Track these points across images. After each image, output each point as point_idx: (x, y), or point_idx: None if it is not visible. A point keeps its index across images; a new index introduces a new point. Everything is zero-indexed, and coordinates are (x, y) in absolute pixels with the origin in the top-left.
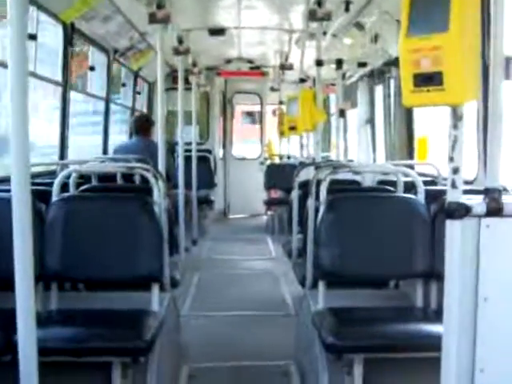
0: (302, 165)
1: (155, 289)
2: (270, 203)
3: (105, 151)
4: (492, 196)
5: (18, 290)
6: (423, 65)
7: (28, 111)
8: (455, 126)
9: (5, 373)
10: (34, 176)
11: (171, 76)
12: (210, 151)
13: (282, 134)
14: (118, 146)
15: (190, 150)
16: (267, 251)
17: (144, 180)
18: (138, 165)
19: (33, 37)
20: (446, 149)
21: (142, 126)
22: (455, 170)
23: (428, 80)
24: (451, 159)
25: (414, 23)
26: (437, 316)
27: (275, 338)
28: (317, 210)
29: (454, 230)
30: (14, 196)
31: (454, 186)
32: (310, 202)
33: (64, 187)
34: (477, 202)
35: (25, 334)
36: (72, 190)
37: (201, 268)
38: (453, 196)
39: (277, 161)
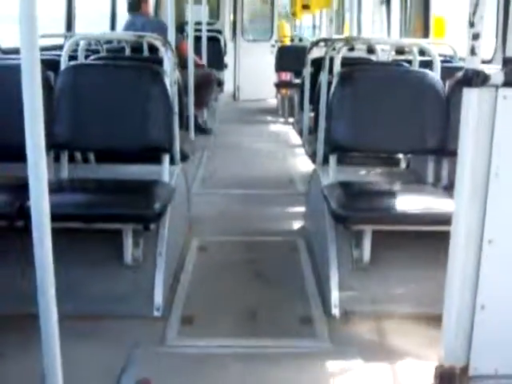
0: (315, 43)
1: (165, 160)
2: (280, 85)
3: (112, 27)
4: (511, 66)
5: (30, 159)
6: None
7: None
8: None
9: (18, 238)
10: (43, 49)
11: None
12: (220, 32)
13: (294, 14)
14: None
15: (199, 30)
16: (277, 132)
17: (152, 53)
18: (147, 33)
19: None
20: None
21: (134, 2)
22: (475, 36)
23: None
24: (471, 24)
25: None
26: (447, 192)
27: (284, 215)
28: (329, 85)
29: (471, 99)
30: (22, 64)
31: (473, 52)
32: (323, 76)
33: (73, 59)
34: (495, 71)
35: (36, 201)
36: (80, 60)
37: (210, 147)
38: (471, 63)
39: (288, 43)
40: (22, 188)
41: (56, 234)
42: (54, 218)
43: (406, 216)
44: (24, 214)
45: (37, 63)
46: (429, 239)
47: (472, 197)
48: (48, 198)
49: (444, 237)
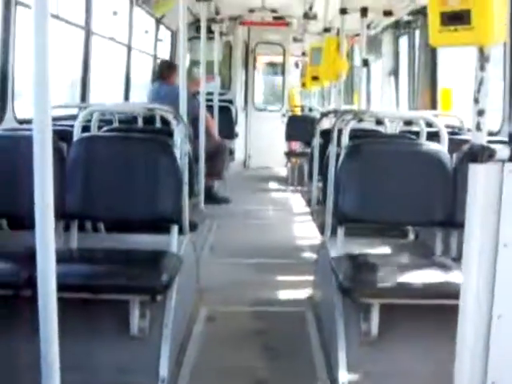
0: (324, 114)
1: (174, 230)
2: (290, 155)
3: (126, 97)
4: None
5: (39, 228)
6: (451, 2)
7: (49, 52)
8: (482, 68)
9: (25, 308)
10: (57, 119)
11: (194, 25)
12: (231, 101)
13: (304, 85)
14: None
15: (211, 100)
16: (287, 201)
17: (165, 123)
18: (159, 106)
19: None
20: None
21: (163, 71)
22: (480, 112)
23: (456, 19)
24: (476, 101)
25: None
26: (456, 265)
27: (293, 285)
28: (338, 157)
29: (477, 174)
30: (34, 134)
31: (478, 128)
32: (332, 148)
33: (86, 130)
34: (501, 146)
35: (44, 271)
36: (93, 131)
37: (220, 216)
38: (477, 138)
39: (298, 113)
40: (30, 257)
41: (63, 303)
42: (61, 287)
43: (414, 290)
44: (31, 283)
45: (48, 134)
46: (438, 313)
47: (480, 270)
48: (55, 268)
49: (454, 310)
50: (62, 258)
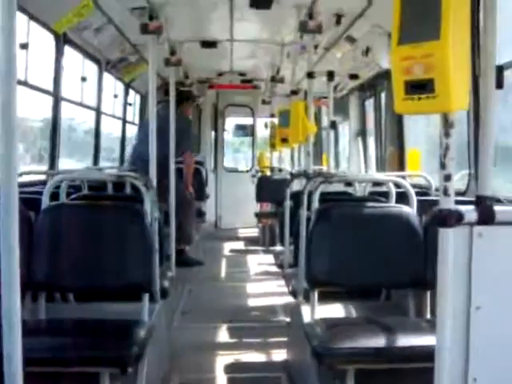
0: (294, 176)
1: (145, 299)
2: (261, 216)
3: (95, 162)
4: (484, 204)
5: (4, 300)
6: (415, 72)
7: (16, 119)
8: (447, 134)
9: None
10: (24, 185)
11: (163, 88)
12: (201, 163)
13: (273, 146)
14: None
15: (181, 162)
16: (258, 263)
17: (135, 190)
18: (128, 173)
19: (24, 46)
20: (436, 163)
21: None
22: (447, 177)
23: (419, 87)
24: (443, 166)
25: (405, 31)
26: (430, 326)
27: (267, 349)
28: (308, 221)
29: (446, 238)
30: (1, 204)
31: (446, 193)
32: (302, 212)
33: (54, 197)
34: (469, 209)
35: (10, 345)
36: (62, 199)
37: (192, 280)
38: (445, 203)
39: (268, 173)
40: None
41: (30, 378)
42: (29, 361)
43: (389, 354)
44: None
45: (15, 204)
46: (415, 376)
47: (454, 334)
48: (21, 344)
49: (430, 372)
50: (29, 330)
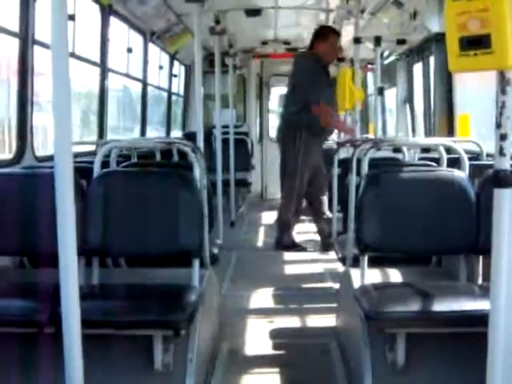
0: (340, 144)
1: (196, 264)
2: None
3: (142, 133)
4: None
5: (62, 265)
6: (470, 27)
7: (70, 91)
8: (503, 91)
9: (49, 344)
10: (76, 155)
11: (208, 59)
12: (247, 134)
13: None
14: None
15: (227, 133)
16: (306, 231)
17: (182, 158)
18: (178, 140)
19: (72, 17)
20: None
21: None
22: (503, 137)
23: (475, 43)
24: (499, 125)
25: None
26: (481, 291)
27: (316, 315)
28: (357, 187)
29: (502, 199)
30: (56, 172)
31: (501, 153)
32: (351, 178)
33: (105, 166)
34: None
35: (68, 307)
36: (112, 167)
37: (239, 249)
38: (500, 163)
39: None
40: (53, 294)
41: (86, 339)
42: (84, 324)
43: (439, 318)
44: (55, 320)
45: (70, 172)
46: (466, 341)
47: (509, 296)
48: (79, 305)
49: (482, 338)
50: (84, 294)
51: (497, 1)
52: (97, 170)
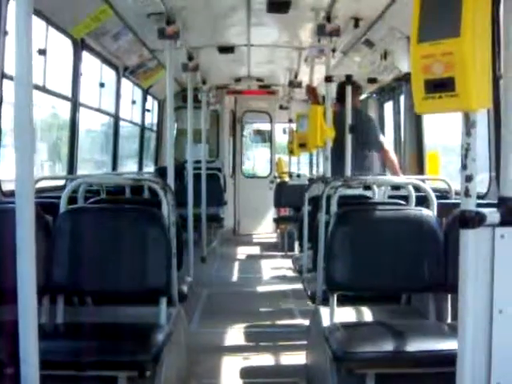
0: (312, 181)
1: (163, 302)
2: (279, 221)
3: (114, 167)
4: (507, 205)
5: (21, 303)
6: (435, 70)
7: (33, 123)
8: (468, 133)
9: None
10: (44, 190)
11: (181, 94)
12: (219, 169)
13: (291, 152)
14: None
15: (200, 168)
16: (277, 268)
17: (153, 194)
18: (147, 177)
19: (42, 51)
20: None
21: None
22: (469, 178)
23: (440, 86)
24: (464, 167)
25: (424, 29)
26: (451, 330)
27: (287, 353)
28: (327, 225)
29: (468, 240)
30: (17, 207)
31: (467, 194)
32: (321, 216)
33: (73, 202)
34: (491, 211)
35: (26, 347)
36: (80, 203)
37: (210, 285)
38: (466, 204)
39: (287, 179)
40: (14, 333)
41: (47, 381)
42: (46, 364)
43: (409, 358)
44: (15, 360)
45: (31, 207)
46: (436, 381)
47: (476, 337)
48: (37, 345)
49: (452, 378)
50: (47, 333)
51: (460, 45)
52: (63, 205)
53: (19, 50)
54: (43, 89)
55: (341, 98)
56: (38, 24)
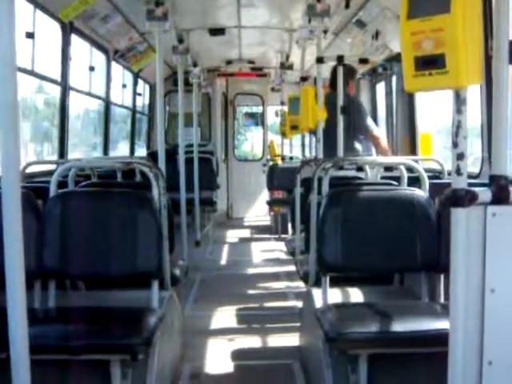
0: (304, 162)
1: (155, 286)
2: (272, 203)
3: (105, 152)
4: (498, 183)
5: (9, 287)
6: (425, 47)
7: (18, 108)
8: (459, 111)
9: (1, 370)
10: (34, 175)
11: (172, 78)
12: (212, 153)
13: (283, 134)
14: None
15: (192, 152)
16: (270, 251)
17: (144, 178)
18: (137, 160)
19: (30, 35)
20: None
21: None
22: (460, 156)
23: (430, 63)
24: (455, 145)
25: (414, 5)
26: (443, 310)
27: (279, 335)
28: (319, 206)
29: (459, 219)
30: (3, 191)
31: (458, 172)
32: (313, 197)
33: (63, 186)
34: (482, 189)
35: (16, 332)
36: (70, 187)
37: (204, 269)
38: (458, 183)
39: (279, 161)
40: (4, 318)
41: (39, 366)
42: (37, 349)
43: (401, 339)
44: (6, 345)
45: (17, 191)
46: (428, 360)
47: (468, 317)
48: (27, 330)
49: (444, 358)
50: (39, 318)
51: (451, 21)
52: (53, 189)
53: (1, 29)
54: (31, 72)
55: (334, 83)
56: (25, 7)
